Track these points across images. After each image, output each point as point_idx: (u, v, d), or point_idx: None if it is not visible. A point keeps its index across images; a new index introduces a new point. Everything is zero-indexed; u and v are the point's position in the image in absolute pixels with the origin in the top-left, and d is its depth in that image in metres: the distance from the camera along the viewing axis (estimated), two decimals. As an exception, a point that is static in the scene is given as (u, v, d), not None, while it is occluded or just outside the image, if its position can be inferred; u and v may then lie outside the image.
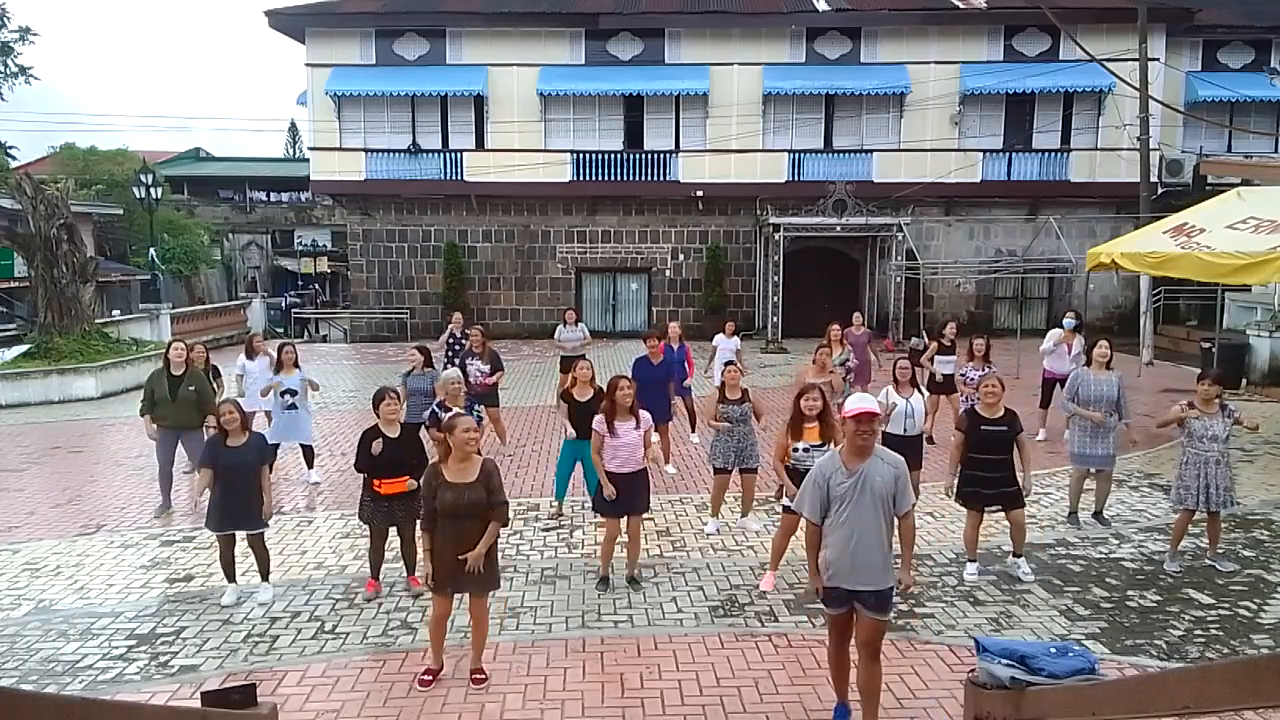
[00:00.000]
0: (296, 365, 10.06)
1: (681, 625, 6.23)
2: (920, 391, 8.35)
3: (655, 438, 6.86)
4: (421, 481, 5.51)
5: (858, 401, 4.78)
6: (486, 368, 10.80)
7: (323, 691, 5.38)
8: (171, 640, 6.10)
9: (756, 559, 7.41)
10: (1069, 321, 11.88)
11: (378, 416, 6.68)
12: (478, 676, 5.41)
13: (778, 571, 6.94)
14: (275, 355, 10.22)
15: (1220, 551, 7.32)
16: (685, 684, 5.41)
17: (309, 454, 10.17)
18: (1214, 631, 6.07)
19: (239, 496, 6.53)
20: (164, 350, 9.53)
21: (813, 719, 5.04)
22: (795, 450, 6.55)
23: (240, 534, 6.70)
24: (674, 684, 5.42)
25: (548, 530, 8.28)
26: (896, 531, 4.80)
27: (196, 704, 3.15)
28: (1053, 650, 3.55)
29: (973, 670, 3.60)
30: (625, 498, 6.66)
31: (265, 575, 6.82)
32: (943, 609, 6.45)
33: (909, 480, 4.86)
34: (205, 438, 9.15)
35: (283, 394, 9.83)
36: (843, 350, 11.20)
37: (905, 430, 7.93)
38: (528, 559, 7.53)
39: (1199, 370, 8.22)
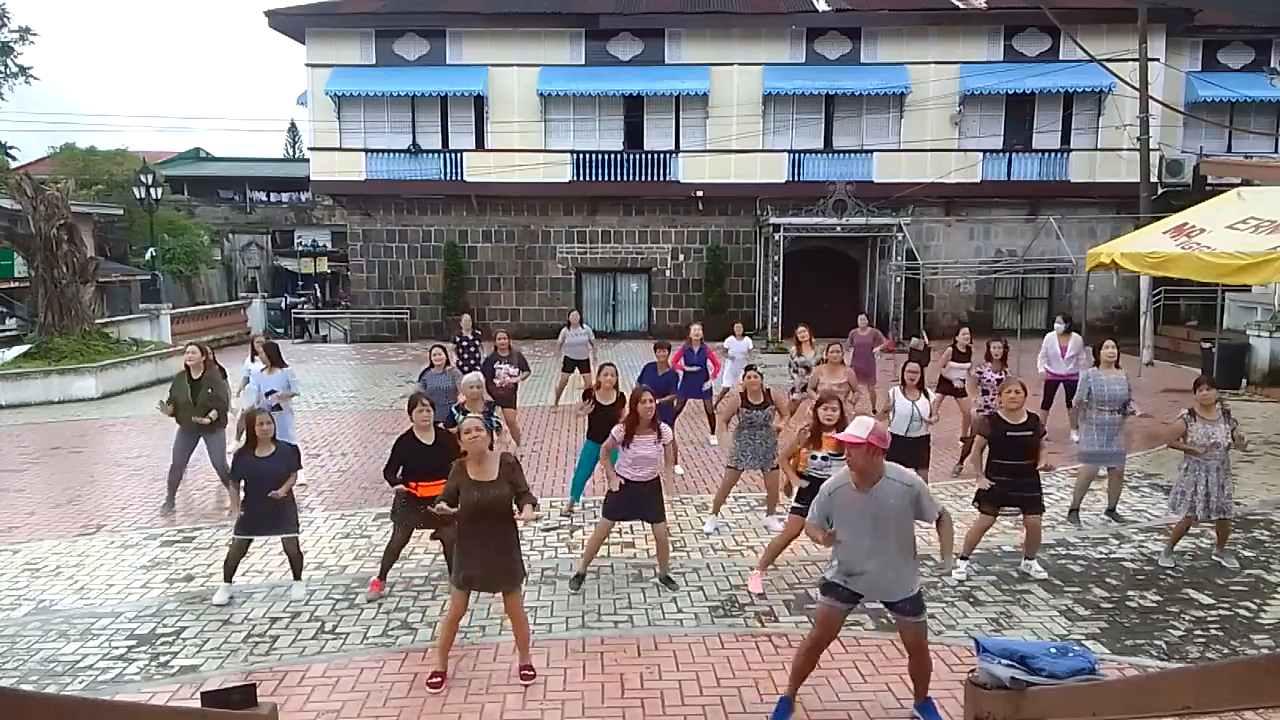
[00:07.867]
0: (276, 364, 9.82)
1: (681, 625, 6.23)
2: (926, 394, 8.34)
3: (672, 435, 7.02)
4: (450, 474, 5.53)
5: (852, 428, 4.71)
6: (515, 369, 11.07)
7: (323, 691, 5.38)
8: (171, 640, 6.09)
9: (757, 559, 7.39)
10: (1059, 325, 12.05)
11: (411, 421, 6.68)
12: (526, 673, 5.45)
13: (767, 573, 6.93)
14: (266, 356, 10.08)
15: (1228, 549, 7.33)
16: (685, 684, 5.41)
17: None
18: (1214, 631, 6.07)
19: (269, 504, 6.55)
20: (183, 353, 9.48)
21: (813, 719, 5.04)
22: (814, 459, 6.63)
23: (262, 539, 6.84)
24: (674, 684, 5.41)
25: (548, 530, 8.28)
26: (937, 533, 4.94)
27: (196, 704, 3.15)
28: (1053, 650, 3.56)
29: (973, 670, 3.60)
30: (635, 505, 6.71)
31: (298, 574, 6.86)
32: (943, 609, 6.45)
33: (927, 491, 4.88)
34: (222, 437, 9.16)
35: (266, 394, 9.71)
36: (813, 351, 11.26)
37: (908, 432, 7.94)
38: (528, 559, 7.49)
39: (1197, 375, 8.17)
